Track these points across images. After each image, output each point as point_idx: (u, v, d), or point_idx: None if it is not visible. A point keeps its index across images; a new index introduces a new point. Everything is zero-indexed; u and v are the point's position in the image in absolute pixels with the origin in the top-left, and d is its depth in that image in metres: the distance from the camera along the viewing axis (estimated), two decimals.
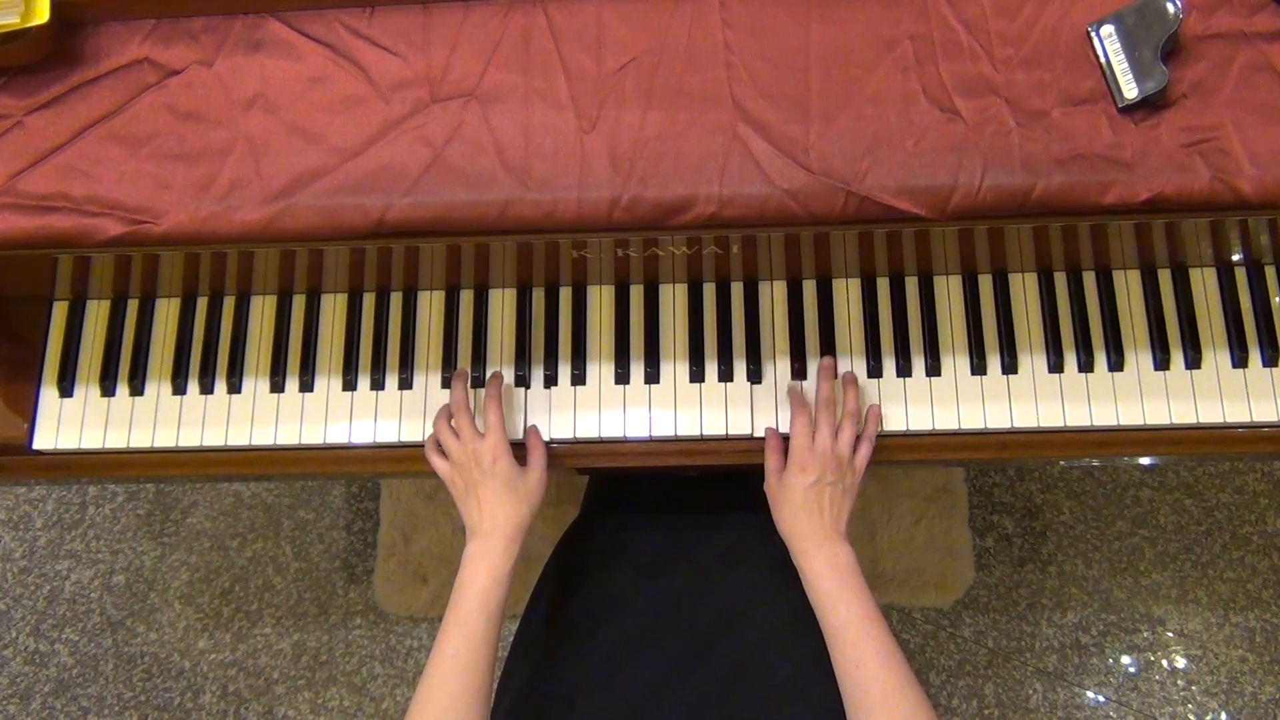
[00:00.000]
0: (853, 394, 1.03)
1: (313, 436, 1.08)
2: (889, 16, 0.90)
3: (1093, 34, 0.88)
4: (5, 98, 0.92)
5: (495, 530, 0.95)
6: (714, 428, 1.05)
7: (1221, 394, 1.03)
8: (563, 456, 1.09)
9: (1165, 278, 1.06)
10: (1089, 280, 1.07)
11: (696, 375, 1.06)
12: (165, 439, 1.08)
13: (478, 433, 1.00)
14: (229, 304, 1.11)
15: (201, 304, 1.12)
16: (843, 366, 1.06)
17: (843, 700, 0.87)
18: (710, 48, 0.90)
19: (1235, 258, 1.05)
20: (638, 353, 1.07)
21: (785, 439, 1.02)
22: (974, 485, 1.89)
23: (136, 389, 1.09)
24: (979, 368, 1.05)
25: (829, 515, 0.95)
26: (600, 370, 1.07)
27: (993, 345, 1.05)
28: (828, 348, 1.06)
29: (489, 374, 1.08)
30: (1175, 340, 1.05)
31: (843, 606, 0.90)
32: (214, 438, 1.08)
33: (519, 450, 1.03)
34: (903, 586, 1.82)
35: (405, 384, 1.08)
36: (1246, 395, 1.03)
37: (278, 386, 1.09)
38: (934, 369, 1.06)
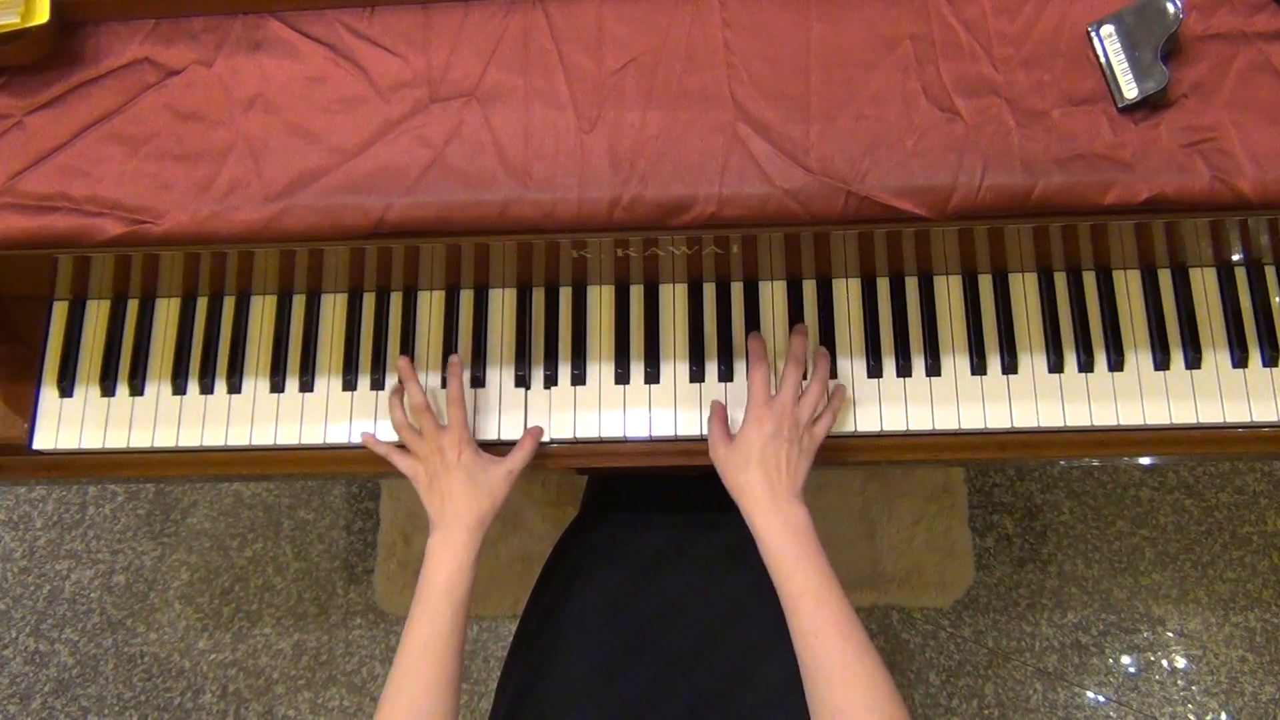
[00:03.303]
0: (823, 365, 1.02)
1: (313, 436, 1.08)
2: (889, 16, 0.90)
3: (1093, 34, 0.88)
4: (5, 98, 0.92)
5: (457, 520, 0.95)
6: None
7: (1221, 394, 1.03)
8: (563, 456, 1.09)
9: (1165, 278, 1.06)
10: (1089, 280, 1.07)
11: (696, 375, 1.06)
12: (165, 439, 1.08)
13: (440, 426, 1.00)
14: (229, 304, 1.11)
15: (201, 304, 1.12)
16: (843, 367, 1.06)
17: (800, 668, 0.85)
18: (710, 48, 0.90)
19: (1235, 258, 1.05)
20: (638, 353, 1.07)
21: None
22: (974, 485, 1.89)
23: (136, 389, 1.09)
24: (979, 368, 1.05)
25: (786, 475, 0.92)
26: (600, 370, 1.07)
27: (993, 345, 1.05)
28: (827, 347, 1.06)
29: (486, 375, 1.08)
30: (1175, 340, 1.05)
31: (800, 574, 0.87)
32: (214, 438, 1.08)
33: (507, 452, 1.03)
34: (903, 586, 1.82)
35: None
36: (1246, 395, 1.03)
37: (278, 386, 1.09)
38: (934, 369, 1.06)
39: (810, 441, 0.96)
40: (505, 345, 1.09)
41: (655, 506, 1.19)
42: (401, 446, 1.04)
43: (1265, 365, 1.04)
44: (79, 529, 1.95)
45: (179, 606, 1.90)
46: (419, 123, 0.90)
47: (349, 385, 1.09)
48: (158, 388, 1.10)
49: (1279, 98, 0.86)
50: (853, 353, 1.06)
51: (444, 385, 1.07)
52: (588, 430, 1.06)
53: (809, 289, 1.08)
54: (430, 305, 1.10)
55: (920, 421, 1.04)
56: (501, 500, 0.99)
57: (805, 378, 1.01)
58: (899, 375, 1.06)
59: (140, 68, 0.93)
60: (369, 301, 1.11)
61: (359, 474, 1.12)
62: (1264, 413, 1.03)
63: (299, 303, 1.11)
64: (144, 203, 0.88)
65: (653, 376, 1.07)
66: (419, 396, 1.02)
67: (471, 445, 1.00)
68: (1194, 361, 1.04)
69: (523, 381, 1.08)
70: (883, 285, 1.08)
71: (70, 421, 1.09)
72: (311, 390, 1.09)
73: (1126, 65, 0.86)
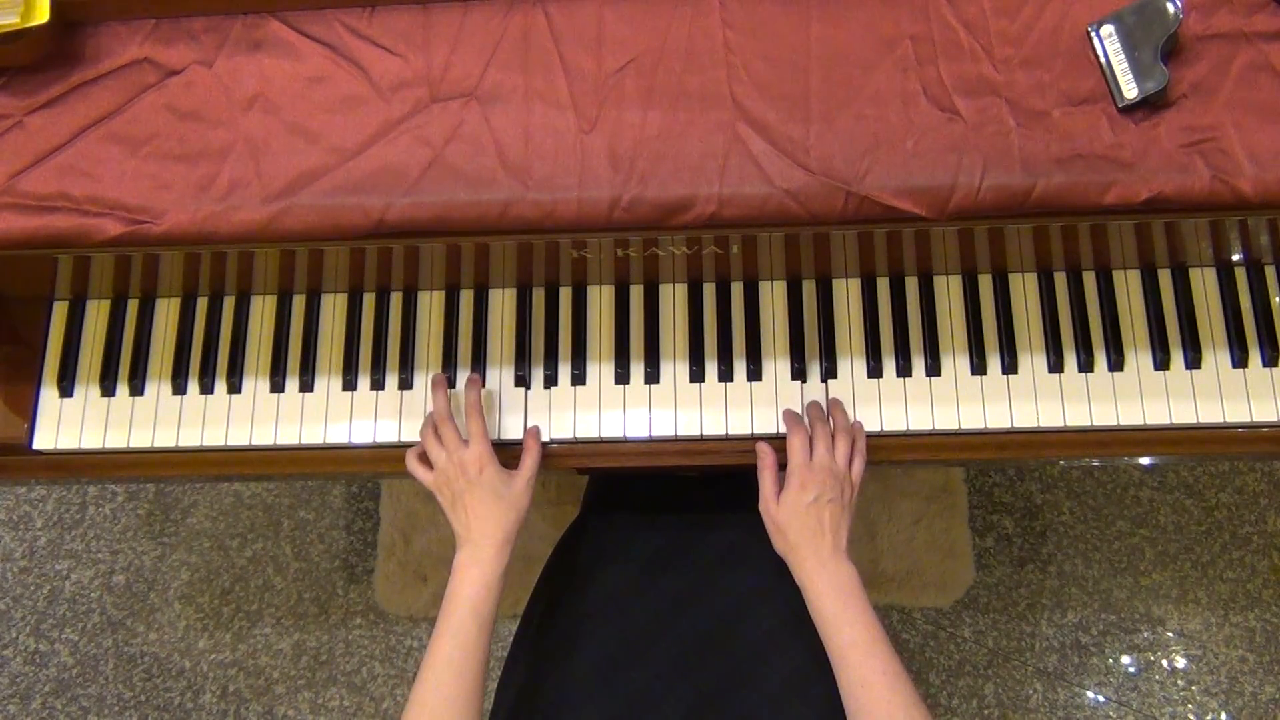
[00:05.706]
0: (841, 412, 1.03)
1: (313, 436, 1.08)
2: (889, 16, 0.90)
3: (1093, 34, 0.88)
4: (5, 98, 0.92)
5: (485, 538, 0.95)
6: (714, 428, 1.05)
7: (1221, 394, 1.03)
8: (563, 456, 1.09)
9: (1165, 278, 1.07)
10: (1089, 280, 1.07)
11: (696, 375, 1.06)
12: (165, 439, 1.08)
13: (462, 441, 0.99)
14: (229, 304, 1.11)
15: (201, 304, 1.12)
16: (842, 367, 1.06)
17: (847, 718, 0.87)
18: (710, 48, 0.90)
19: (1235, 258, 1.05)
20: (638, 353, 1.07)
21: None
22: (974, 485, 1.89)
23: (136, 389, 1.09)
24: (979, 368, 1.05)
25: (830, 535, 0.94)
26: (600, 370, 1.07)
27: (993, 345, 1.05)
28: (828, 347, 1.06)
29: (486, 375, 1.08)
30: (1175, 340, 1.05)
31: (847, 628, 0.89)
32: (214, 438, 1.08)
33: (507, 453, 1.02)
34: (903, 586, 1.82)
35: (405, 384, 1.08)
36: (1246, 395, 1.03)
37: (278, 386, 1.09)
38: (934, 369, 1.06)
39: (852, 492, 0.98)
40: (505, 345, 1.09)
41: (656, 506, 1.19)
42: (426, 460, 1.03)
43: (1265, 365, 1.04)
44: (79, 529, 1.95)
45: (179, 606, 1.90)
46: (419, 123, 0.90)
47: (349, 385, 1.09)
48: (158, 388, 1.10)
49: (1279, 98, 0.86)
50: (853, 353, 1.06)
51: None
52: (588, 430, 1.06)
53: (809, 289, 1.08)
54: (430, 305, 1.10)
55: (920, 421, 1.04)
56: (525, 510, 0.99)
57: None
58: (899, 375, 1.06)
59: (140, 68, 0.93)
60: (369, 301, 1.11)
61: (359, 474, 1.12)
62: (1264, 413, 1.03)
63: (299, 303, 1.11)
64: (144, 203, 0.89)
65: (653, 376, 1.07)
66: (443, 404, 1.02)
67: (493, 460, 0.99)
68: (1194, 361, 1.04)
69: (522, 381, 1.08)
70: (883, 285, 1.08)
71: (70, 421, 1.09)
72: (311, 390, 1.09)
73: (1126, 65, 0.86)
